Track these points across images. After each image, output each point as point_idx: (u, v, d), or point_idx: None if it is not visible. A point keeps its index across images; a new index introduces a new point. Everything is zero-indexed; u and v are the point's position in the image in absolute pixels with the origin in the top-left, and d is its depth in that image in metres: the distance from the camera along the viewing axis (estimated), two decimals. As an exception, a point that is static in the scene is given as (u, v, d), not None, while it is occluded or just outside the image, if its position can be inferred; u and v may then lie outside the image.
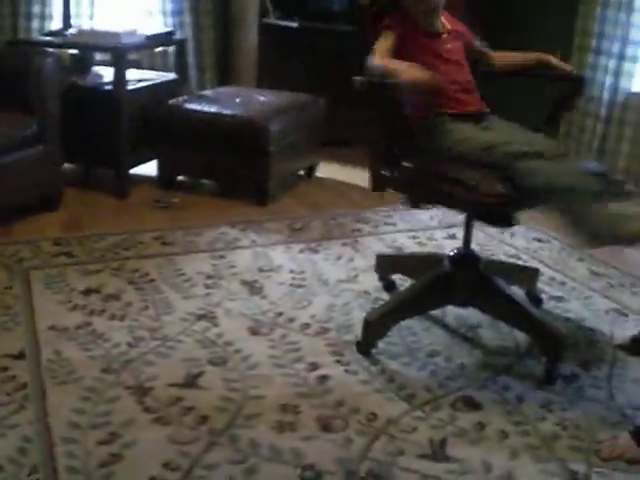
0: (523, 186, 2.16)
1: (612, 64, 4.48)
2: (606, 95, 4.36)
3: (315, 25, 4.85)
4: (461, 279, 2.55)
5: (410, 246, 3.36)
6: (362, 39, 5.13)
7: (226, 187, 4.03)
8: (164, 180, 3.94)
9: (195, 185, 4.06)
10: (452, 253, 2.62)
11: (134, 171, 3.93)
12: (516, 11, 4.93)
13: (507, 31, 4.16)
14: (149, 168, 4.02)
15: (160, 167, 3.97)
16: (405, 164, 2.41)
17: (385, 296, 2.80)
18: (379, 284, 2.90)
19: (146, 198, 3.78)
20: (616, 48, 4.44)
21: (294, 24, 4.71)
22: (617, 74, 4.45)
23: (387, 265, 2.96)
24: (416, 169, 2.41)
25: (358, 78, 2.31)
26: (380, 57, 2.40)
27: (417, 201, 2.54)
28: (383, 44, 2.47)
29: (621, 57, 4.44)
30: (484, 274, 2.56)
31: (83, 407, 2.01)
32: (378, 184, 2.51)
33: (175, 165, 3.96)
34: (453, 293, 2.55)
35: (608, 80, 4.39)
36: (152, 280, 2.86)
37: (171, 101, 3.92)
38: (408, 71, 2.25)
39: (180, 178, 4.04)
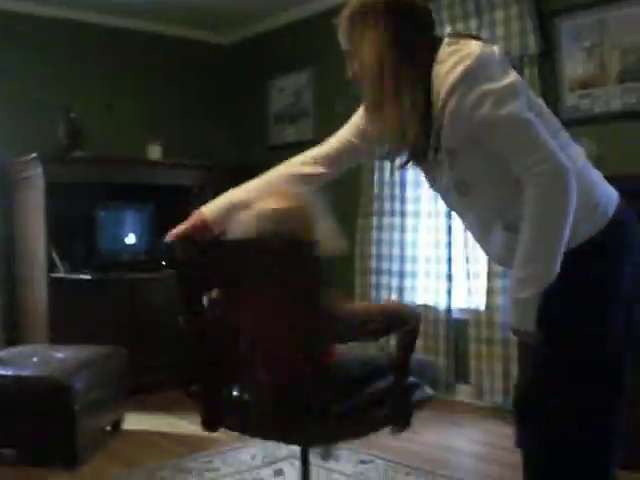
0: None
1: (394, 282, 4.84)
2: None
3: (107, 276, 4.83)
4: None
5: (240, 490, 3.23)
6: (155, 285, 5.21)
7: (30, 454, 3.68)
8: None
9: (-6, 456, 3.70)
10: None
11: None
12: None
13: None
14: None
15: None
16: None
17: None
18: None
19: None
20: (396, 267, 4.83)
21: (86, 276, 4.65)
22: (401, 290, 4.81)
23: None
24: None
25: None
26: None
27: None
28: None
29: (401, 274, 4.82)
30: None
31: None
32: (209, 422, 2.41)
33: (-31, 438, 3.61)
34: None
35: (394, 297, 4.71)
36: None
37: (-41, 369, 3.63)
38: None
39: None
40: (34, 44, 5.20)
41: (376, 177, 4.87)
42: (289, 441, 2.46)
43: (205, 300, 2.24)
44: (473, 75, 1.68)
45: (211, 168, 5.53)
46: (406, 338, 2.24)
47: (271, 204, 2.04)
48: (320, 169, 2.16)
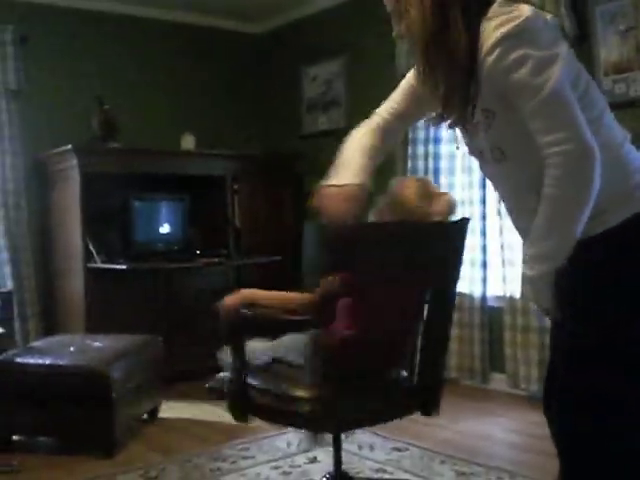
0: None
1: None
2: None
3: (142, 265, 4.87)
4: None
5: (275, 477, 3.24)
6: (190, 275, 5.25)
7: (68, 442, 3.76)
8: (-2, 442, 3.63)
9: (33, 443, 3.76)
10: (325, 478, 2.55)
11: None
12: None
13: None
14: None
15: (-8, 428, 3.66)
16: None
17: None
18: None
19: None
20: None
21: (122, 266, 4.70)
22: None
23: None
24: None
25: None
26: None
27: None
28: None
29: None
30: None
31: None
32: (238, 414, 2.45)
33: (9, 424, 3.65)
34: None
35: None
36: None
37: (0, 357, 3.70)
38: None
39: (16, 437, 3.72)
40: (67, 36, 5.25)
41: (409, 150, 4.83)
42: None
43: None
44: (519, 35, 1.64)
45: (244, 157, 5.55)
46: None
47: (443, 198, 2.46)
48: (399, 125, 2.18)
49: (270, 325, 2.50)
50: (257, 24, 6.16)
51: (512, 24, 1.65)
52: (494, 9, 1.71)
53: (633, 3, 3.83)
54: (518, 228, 1.94)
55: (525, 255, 1.74)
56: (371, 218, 2.49)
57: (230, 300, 2.50)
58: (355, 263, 2.27)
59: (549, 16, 1.73)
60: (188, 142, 5.48)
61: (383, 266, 2.28)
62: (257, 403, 2.43)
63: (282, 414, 2.40)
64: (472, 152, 1.96)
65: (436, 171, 4.77)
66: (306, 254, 2.08)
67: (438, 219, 2.43)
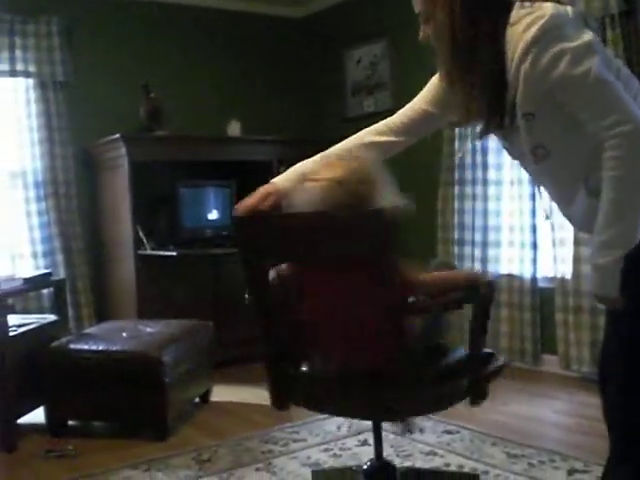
0: None
1: (477, 252, 4.77)
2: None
3: (191, 252, 4.92)
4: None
5: (326, 460, 3.26)
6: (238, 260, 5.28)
7: (121, 426, 3.84)
8: (54, 426, 3.71)
9: (88, 428, 3.84)
10: (366, 466, 2.55)
11: (21, 420, 3.68)
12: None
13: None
14: (37, 415, 3.79)
15: (49, 413, 3.75)
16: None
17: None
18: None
19: (37, 448, 3.52)
20: (478, 237, 4.76)
21: (171, 252, 4.75)
22: (484, 260, 4.74)
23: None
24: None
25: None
26: None
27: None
28: None
29: (484, 244, 4.75)
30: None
31: None
32: (279, 401, 2.39)
33: (65, 409, 3.75)
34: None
35: (477, 267, 4.66)
36: None
37: (54, 343, 3.78)
38: None
39: (71, 423, 3.81)
40: (112, 26, 5.30)
41: (456, 145, 4.80)
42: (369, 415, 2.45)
43: (273, 275, 2.24)
44: (548, 35, 1.65)
45: (289, 142, 5.56)
46: (481, 306, 2.21)
47: (337, 172, 2.02)
48: (394, 137, 2.15)
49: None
50: (299, 8, 6.13)
51: (538, 25, 1.65)
52: (516, 14, 1.71)
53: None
54: (566, 216, 1.92)
55: (594, 244, 1.70)
56: None
57: None
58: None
59: (570, 8, 1.72)
60: (234, 128, 5.51)
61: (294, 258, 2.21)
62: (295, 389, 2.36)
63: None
64: (513, 155, 1.96)
65: (484, 150, 4.72)
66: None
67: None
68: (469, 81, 1.79)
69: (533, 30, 1.65)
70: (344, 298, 2.10)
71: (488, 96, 1.77)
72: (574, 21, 1.69)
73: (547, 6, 1.68)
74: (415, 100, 2.15)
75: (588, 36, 1.67)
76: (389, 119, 2.18)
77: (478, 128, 1.92)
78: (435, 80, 2.06)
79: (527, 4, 1.71)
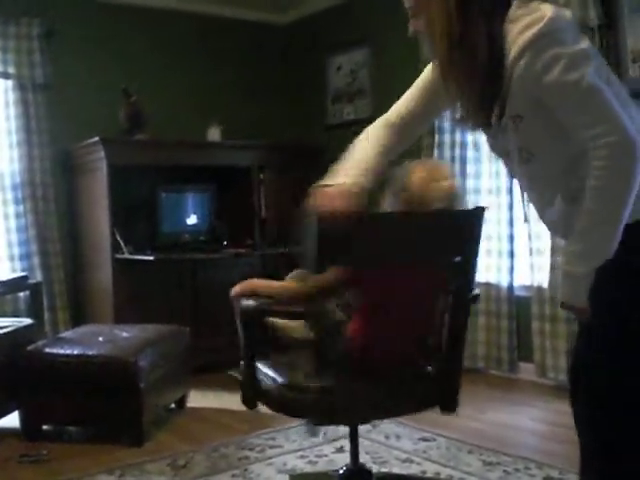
0: None
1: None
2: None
3: (169, 256, 4.90)
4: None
5: (302, 467, 3.25)
6: (216, 265, 5.27)
7: (97, 431, 3.81)
8: (29, 431, 3.68)
9: (63, 432, 3.81)
10: (342, 471, 2.55)
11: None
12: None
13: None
14: (11, 419, 3.76)
15: (23, 417, 3.71)
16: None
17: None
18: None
19: (11, 452, 3.48)
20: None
21: (149, 257, 4.73)
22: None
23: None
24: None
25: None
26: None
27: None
28: None
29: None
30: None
31: None
32: (248, 400, 2.44)
33: (40, 414, 3.71)
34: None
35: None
36: None
37: (30, 347, 3.74)
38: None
39: (46, 427, 3.77)
40: (93, 29, 5.28)
41: (435, 153, 4.81)
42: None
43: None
44: (545, 38, 1.63)
45: (270, 147, 5.56)
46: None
47: (443, 184, 2.27)
48: (415, 123, 2.18)
49: (271, 315, 2.50)
50: (282, 14, 6.15)
51: (537, 27, 1.63)
52: (514, 11, 1.69)
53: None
54: (546, 222, 1.92)
55: (569, 252, 1.71)
56: (384, 207, 2.43)
57: (234, 290, 2.53)
58: (350, 258, 2.19)
59: (568, 12, 1.71)
60: (214, 133, 5.49)
61: (380, 259, 2.20)
62: (264, 390, 2.39)
63: (290, 404, 2.36)
64: (496, 152, 1.95)
65: (463, 159, 4.74)
66: (305, 251, 2.05)
67: (439, 206, 2.25)
68: (461, 76, 1.77)
69: (530, 33, 1.64)
70: (419, 296, 2.31)
71: (478, 92, 1.76)
72: (572, 25, 1.68)
73: (548, 8, 1.66)
74: (407, 94, 2.14)
75: (585, 43, 1.66)
76: (394, 112, 2.17)
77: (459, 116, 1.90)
78: (426, 73, 2.07)
79: (525, 3, 1.70)
